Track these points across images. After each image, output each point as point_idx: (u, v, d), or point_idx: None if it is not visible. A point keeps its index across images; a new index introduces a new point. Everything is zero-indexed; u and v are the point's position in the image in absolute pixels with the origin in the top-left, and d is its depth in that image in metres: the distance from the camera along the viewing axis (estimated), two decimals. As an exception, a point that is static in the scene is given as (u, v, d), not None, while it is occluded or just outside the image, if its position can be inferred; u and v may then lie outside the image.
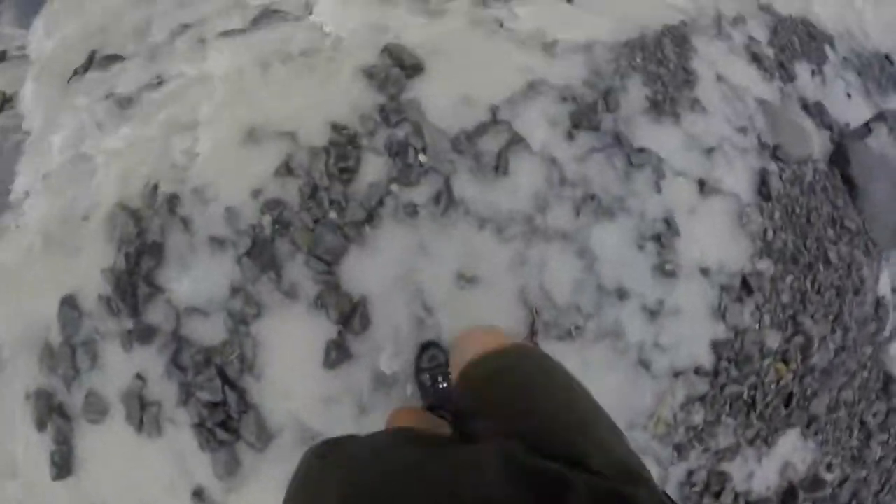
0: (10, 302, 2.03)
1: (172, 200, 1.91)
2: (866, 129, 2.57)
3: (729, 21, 2.69)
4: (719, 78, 2.46)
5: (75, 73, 2.35)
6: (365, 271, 1.79)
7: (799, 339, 2.31)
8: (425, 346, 1.74)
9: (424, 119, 1.95)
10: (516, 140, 1.96)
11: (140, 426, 1.78)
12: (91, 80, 2.30)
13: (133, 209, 1.93)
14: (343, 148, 1.88)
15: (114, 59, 2.33)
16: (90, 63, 2.34)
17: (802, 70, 2.77)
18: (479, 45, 2.16)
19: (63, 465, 1.84)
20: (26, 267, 2.04)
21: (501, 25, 2.23)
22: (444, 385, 1.65)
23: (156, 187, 1.95)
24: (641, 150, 2.12)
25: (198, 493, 1.77)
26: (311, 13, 2.25)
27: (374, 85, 2.01)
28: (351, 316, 1.74)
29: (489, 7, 2.26)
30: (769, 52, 2.69)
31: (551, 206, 1.95)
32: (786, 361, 2.30)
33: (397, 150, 1.87)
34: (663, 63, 2.35)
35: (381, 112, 1.96)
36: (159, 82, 2.17)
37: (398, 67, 2.00)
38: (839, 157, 2.53)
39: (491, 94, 2.07)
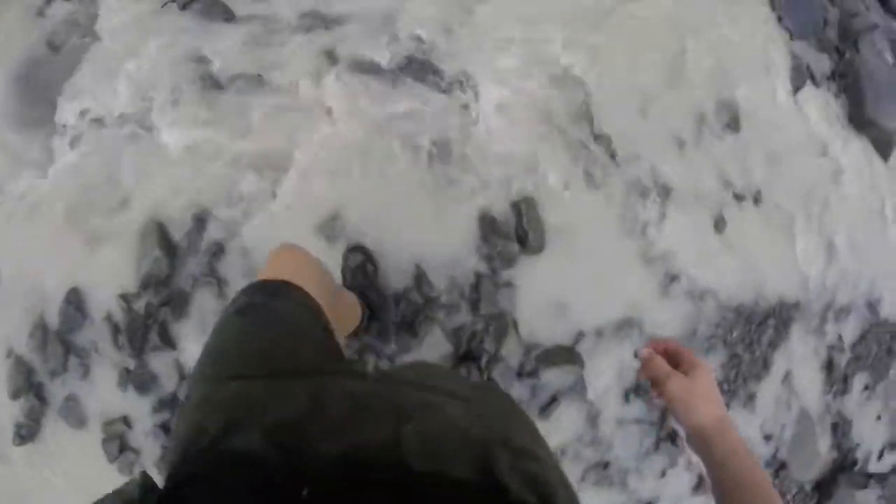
0: (20, 242, 1.87)
1: (216, 251, 1.75)
2: (865, 477, 2.69)
3: (835, 311, 2.62)
4: (786, 378, 2.46)
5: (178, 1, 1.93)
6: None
7: None
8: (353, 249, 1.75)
9: (513, 324, 1.82)
10: (577, 388, 1.89)
11: (113, 460, 1.81)
12: (186, 24, 1.91)
13: (170, 239, 1.76)
14: (415, 310, 1.74)
15: (221, 8, 1.92)
16: None
17: (859, 384, 2.81)
18: (610, 245, 2.01)
19: (27, 438, 1.86)
20: (46, 219, 1.85)
21: (644, 231, 2.04)
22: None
23: (203, 221, 1.73)
24: (674, 434, 2.12)
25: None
26: (465, 90, 1.93)
27: (485, 247, 1.82)
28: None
29: (646, 199, 2.05)
30: (844, 359, 2.69)
31: (564, 462, 1.94)
32: None
33: (468, 350, 1.75)
34: (751, 347, 2.30)
35: (475, 288, 1.81)
36: (260, 81, 1.83)
37: (518, 242, 1.82)
38: (825, 489, 2.64)
39: (586, 315, 1.97)
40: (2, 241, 1.90)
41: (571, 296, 1.94)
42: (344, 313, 1.38)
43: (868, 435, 2.98)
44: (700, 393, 0.77)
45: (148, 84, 1.88)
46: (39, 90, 1.96)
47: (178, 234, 1.78)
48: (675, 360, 0.83)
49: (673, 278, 2.12)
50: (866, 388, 2.90)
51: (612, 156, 2.05)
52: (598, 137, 2.04)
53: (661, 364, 0.81)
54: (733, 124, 2.34)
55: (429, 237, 1.83)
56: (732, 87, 2.39)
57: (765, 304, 2.36)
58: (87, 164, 1.86)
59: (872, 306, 2.86)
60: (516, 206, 1.88)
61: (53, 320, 1.82)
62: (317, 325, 0.88)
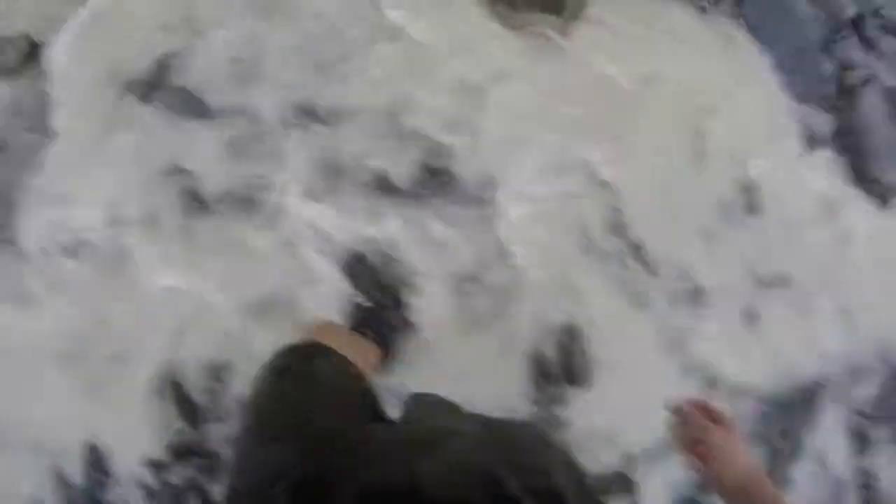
0: (13, 384, 1.70)
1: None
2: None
3: (854, 375, 2.68)
4: (818, 453, 2.48)
5: (132, 87, 1.70)
6: None
7: None
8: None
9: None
10: (633, 514, 1.87)
11: None
12: (154, 121, 1.70)
13: (190, 402, 1.67)
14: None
15: (191, 100, 1.71)
16: (161, 79, 1.71)
17: (883, 436, 2.86)
18: (653, 363, 2.02)
19: None
20: (39, 363, 1.69)
21: (683, 341, 2.04)
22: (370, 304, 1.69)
23: (222, 376, 1.64)
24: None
25: None
26: (490, 205, 1.84)
27: (534, 392, 1.78)
28: None
29: (682, 306, 2.04)
30: (867, 419, 2.74)
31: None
32: None
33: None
34: (787, 435, 2.32)
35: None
36: (252, 202, 1.69)
37: (567, 381, 1.78)
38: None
39: (635, 438, 1.94)
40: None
41: (619, 421, 1.94)
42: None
43: (893, 479, 3.05)
44: (737, 443, 0.85)
45: (119, 201, 1.70)
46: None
47: (196, 393, 1.69)
48: (705, 414, 0.89)
49: (711, 384, 2.12)
50: (893, 441, 2.97)
51: (648, 265, 2.02)
52: (634, 247, 2.01)
53: (701, 418, 0.88)
54: (753, 207, 2.34)
55: (473, 386, 1.76)
56: (748, 165, 2.39)
57: (796, 389, 2.39)
58: (66, 304, 1.69)
59: (886, 358, 2.93)
60: (562, 341, 1.84)
61: (77, 477, 1.71)
62: (349, 381, 0.99)
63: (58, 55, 1.73)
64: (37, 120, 1.71)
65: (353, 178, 1.78)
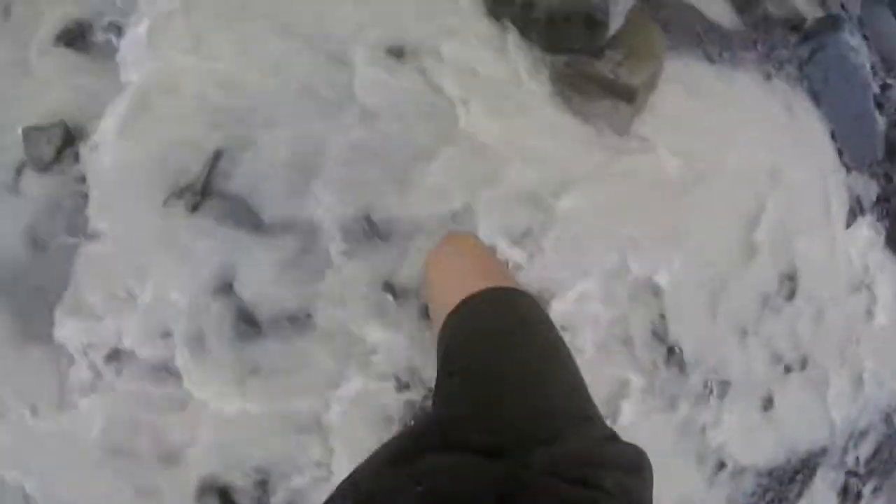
0: (58, 478, 1.65)
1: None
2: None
3: (855, 439, 2.85)
4: (806, 512, 2.70)
5: (181, 193, 1.60)
6: None
7: None
8: None
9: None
10: None
11: None
12: (202, 232, 1.61)
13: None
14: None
15: (244, 211, 1.64)
16: (211, 184, 1.63)
17: (868, 490, 3.08)
18: (672, 459, 2.20)
19: None
20: (85, 460, 1.66)
21: (702, 433, 2.18)
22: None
23: (265, 485, 1.74)
24: None
25: None
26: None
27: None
28: None
29: (707, 402, 2.17)
30: (858, 479, 2.95)
31: None
32: None
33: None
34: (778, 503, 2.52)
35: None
36: (308, 322, 1.70)
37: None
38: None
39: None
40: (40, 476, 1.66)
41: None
42: None
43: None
44: None
45: (165, 318, 1.64)
46: (31, 303, 1.62)
47: (242, 499, 1.71)
48: None
49: (721, 466, 2.28)
50: (875, 489, 3.19)
51: (682, 367, 2.12)
52: (671, 350, 2.10)
53: None
54: (792, 293, 2.41)
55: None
56: (794, 252, 2.44)
57: (795, 460, 2.56)
58: (112, 414, 1.65)
59: (889, 419, 3.09)
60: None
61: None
62: None
63: (97, 148, 1.61)
64: (75, 219, 1.60)
65: (410, 294, 1.78)
